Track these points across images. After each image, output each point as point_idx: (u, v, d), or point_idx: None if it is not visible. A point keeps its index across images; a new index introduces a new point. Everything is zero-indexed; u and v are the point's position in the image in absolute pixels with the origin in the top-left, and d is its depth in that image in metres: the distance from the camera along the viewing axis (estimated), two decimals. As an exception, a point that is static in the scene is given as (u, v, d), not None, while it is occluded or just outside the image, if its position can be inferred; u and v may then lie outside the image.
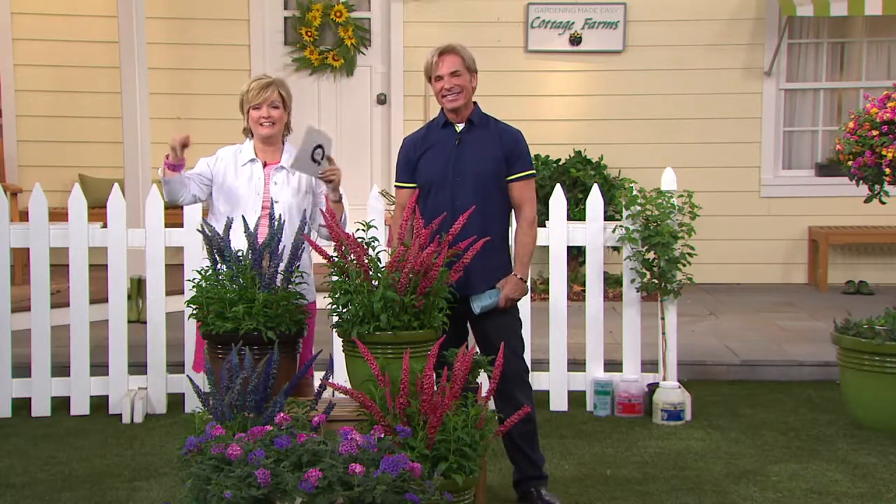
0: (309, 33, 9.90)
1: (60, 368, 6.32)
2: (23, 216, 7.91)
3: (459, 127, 4.75)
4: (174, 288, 6.31)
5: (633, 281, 6.32)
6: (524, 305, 5.59)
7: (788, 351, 7.36)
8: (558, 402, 6.38)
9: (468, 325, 4.80)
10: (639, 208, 6.26)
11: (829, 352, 6.51)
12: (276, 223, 4.45)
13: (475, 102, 4.79)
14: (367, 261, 4.17)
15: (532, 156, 4.89)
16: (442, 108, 4.77)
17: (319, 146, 4.74)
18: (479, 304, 4.65)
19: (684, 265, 6.23)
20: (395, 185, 4.89)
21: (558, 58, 9.96)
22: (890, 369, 5.76)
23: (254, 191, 4.91)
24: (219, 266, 4.37)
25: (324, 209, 4.56)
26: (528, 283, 4.88)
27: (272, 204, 4.88)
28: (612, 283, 8.48)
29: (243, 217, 4.59)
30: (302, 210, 4.88)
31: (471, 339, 4.84)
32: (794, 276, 10.06)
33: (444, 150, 4.73)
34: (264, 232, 4.54)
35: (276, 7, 10.05)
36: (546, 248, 6.37)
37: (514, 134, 4.80)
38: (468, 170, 4.68)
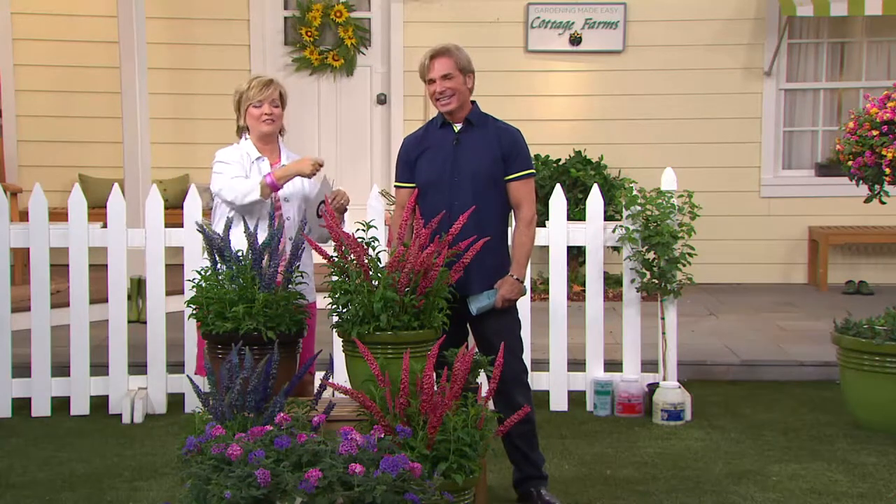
0: (309, 33, 9.90)
1: (60, 368, 6.32)
2: (23, 216, 7.91)
3: (457, 127, 4.74)
4: (174, 288, 6.31)
5: (633, 281, 6.32)
6: (524, 306, 5.58)
7: (788, 351, 7.36)
8: (558, 402, 6.38)
9: (468, 325, 4.80)
10: (639, 208, 6.26)
11: (829, 352, 6.51)
12: (277, 222, 4.45)
13: (473, 102, 4.78)
14: (367, 261, 4.17)
15: (532, 155, 4.88)
16: None
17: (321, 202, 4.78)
18: (475, 305, 4.64)
19: (684, 265, 6.23)
20: (395, 185, 4.89)
21: (558, 58, 9.96)
22: (890, 369, 5.76)
23: None
24: (218, 266, 4.37)
25: (309, 206, 4.57)
26: (528, 284, 4.85)
27: (283, 201, 4.88)
28: (612, 283, 8.48)
29: (244, 217, 4.59)
30: (312, 200, 4.92)
31: (471, 339, 4.84)
32: (794, 276, 10.06)
33: (442, 151, 4.72)
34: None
35: (276, 7, 10.05)
36: (546, 248, 6.37)
37: (512, 133, 4.77)
38: (465, 170, 4.67)
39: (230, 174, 4.87)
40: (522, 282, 4.72)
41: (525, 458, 4.78)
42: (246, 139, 5.00)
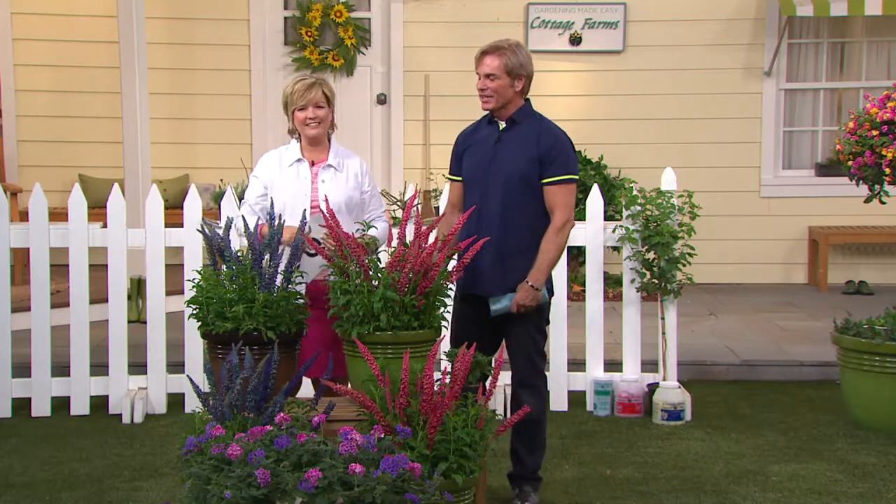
0: (309, 33, 9.90)
1: (60, 368, 6.32)
2: (23, 216, 7.91)
3: (502, 125, 4.69)
4: (174, 288, 6.31)
5: (633, 281, 6.32)
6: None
7: (788, 351, 7.36)
8: (558, 402, 6.37)
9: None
10: (639, 208, 6.26)
11: (829, 352, 6.51)
12: (277, 222, 4.44)
13: (527, 99, 4.70)
14: (367, 261, 4.18)
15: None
16: None
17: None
18: (493, 307, 4.61)
19: (684, 265, 6.23)
20: (447, 178, 4.89)
21: (558, 58, 9.96)
22: (890, 369, 5.76)
23: (301, 191, 4.83)
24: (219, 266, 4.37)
25: (352, 209, 4.54)
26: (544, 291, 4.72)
27: (321, 202, 4.81)
28: (612, 283, 8.48)
29: (243, 217, 4.59)
30: (355, 204, 4.86)
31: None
32: (794, 276, 10.06)
33: (484, 148, 4.69)
34: (317, 231, 4.55)
35: (276, 7, 10.05)
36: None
37: (554, 135, 4.66)
38: (501, 169, 4.62)
39: (250, 193, 4.89)
40: (539, 289, 4.58)
41: (521, 457, 4.79)
42: (295, 140, 4.95)
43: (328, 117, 4.92)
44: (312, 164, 4.90)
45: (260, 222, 4.64)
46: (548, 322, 4.83)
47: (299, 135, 4.93)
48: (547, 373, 6.31)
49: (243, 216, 4.65)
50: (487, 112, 4.71)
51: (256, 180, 4.92)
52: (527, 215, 4.62)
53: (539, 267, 4.58)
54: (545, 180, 4.61)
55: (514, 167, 4.61)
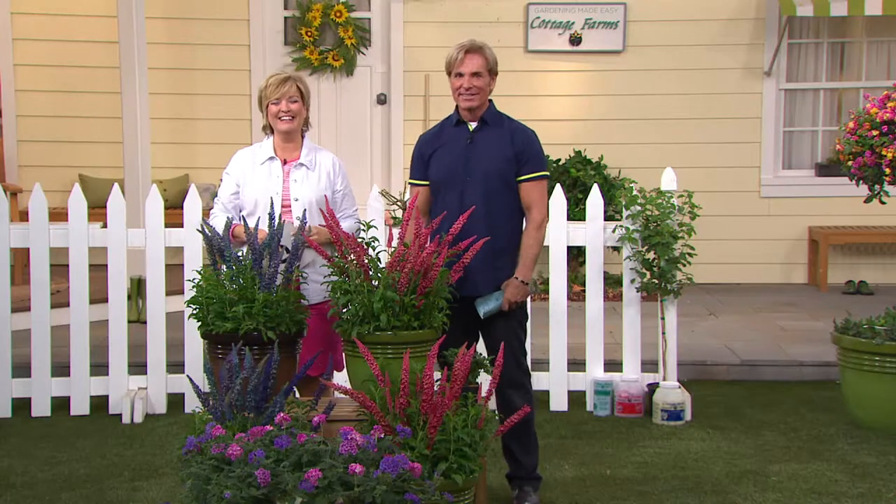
0: (309, 33, 9.90)
1: (60, 368, 6.32)
2: (23, 216, 7.91)
3: (472, 126, 4.71)
4: (174, 288, 6.31)
5: (633, 281, 6.33)
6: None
7: (788, 351, 7.36)
8: (558, 402, 6.38)
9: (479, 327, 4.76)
10: (639, 208, 6.26)
11: (829, 352, 6.51)
12: (277, 222, 4.45)
13: (490, 100, 4.75)
14: (366, 261, 4.18)
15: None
16: (456, 106, 4.70)
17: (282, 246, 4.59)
18: (483, 309, 4.60)
19: (684, 265, 6.23)
20: (409, 182, 4.88)
21: (558, 58, 9.96)
22: (890, 369, 5.76)
23: (273, 190, 4.87)
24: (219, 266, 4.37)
25: (323, 208, 4.54)
26: (532, 285, 4.79)
27: (292, 202, 4.85)
28: (612, 283, 8.48)
29: (243, 217, 4.59)
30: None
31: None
32: (794, 276, 10.06)
33: (456, 149, 4.69)
34: (287, 238, 4.56)
35: (276, 7, 10.06)
36: (546, 248, 6.36)
37: (527, 134, 4.73)
38: (478, 169, 4.63)
39: (223, 192, 4.98)
40: (527, 284, 4.66)
41: (516, 458, 4.79)
42: (269, 137, 5.00)
43: (302, 112, 4.94)
44: (285, 162, 4.92)
45: (233, 221, 4.75)
46: (527, 318, 4.86)
47: (272, 131, 4.96)
48: (545, 373, 6.38)
49: (214, 218, 4.74)
50: (449, 115, 4.75)
51: (229, 178, 4.97)
52: (509, 213, 4.68)
53: (525, 262, 4.66)
54: (521, 178, 4.67)
55: (493, 167, 4.64)
